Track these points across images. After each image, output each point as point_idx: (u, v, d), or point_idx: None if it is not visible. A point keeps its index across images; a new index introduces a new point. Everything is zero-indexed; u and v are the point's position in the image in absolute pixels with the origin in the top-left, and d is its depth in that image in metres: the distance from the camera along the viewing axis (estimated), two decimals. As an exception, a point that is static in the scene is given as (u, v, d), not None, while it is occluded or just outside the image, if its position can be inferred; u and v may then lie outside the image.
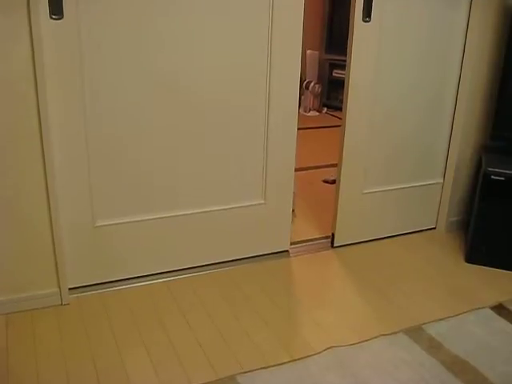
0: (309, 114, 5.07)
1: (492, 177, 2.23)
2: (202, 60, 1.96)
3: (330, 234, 2.49)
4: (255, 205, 2.25)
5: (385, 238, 2.57)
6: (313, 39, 5.16)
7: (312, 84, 4.99)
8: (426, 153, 2.54)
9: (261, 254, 2.34)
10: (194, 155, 2.07)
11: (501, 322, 1.94)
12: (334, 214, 2.43)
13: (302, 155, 3.18)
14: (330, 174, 3.33)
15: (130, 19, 1.80)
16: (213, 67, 1.98)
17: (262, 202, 2.26)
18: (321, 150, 3.97)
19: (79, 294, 2.01)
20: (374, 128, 2.35)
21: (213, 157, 2.11)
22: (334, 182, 2.95)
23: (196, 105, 2.01)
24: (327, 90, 5.23)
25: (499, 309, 2.02)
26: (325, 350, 1.75)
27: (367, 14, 2.13)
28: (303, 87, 5.01)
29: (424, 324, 1.91)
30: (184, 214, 2.12)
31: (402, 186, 2.53)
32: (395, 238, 2.58)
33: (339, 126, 2.36)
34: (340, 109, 2.46)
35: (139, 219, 2.05)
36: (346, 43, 2.18)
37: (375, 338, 1.82)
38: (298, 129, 2.21)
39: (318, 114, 5.12)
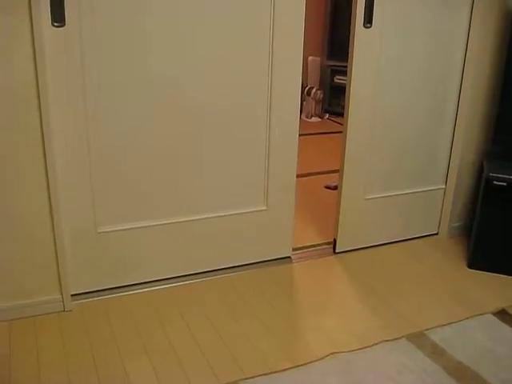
0: (310, 120, 5.07)
1: (494, 182, 2.23)
2: (204, 65, 1.96)
3: (332, 240, 2.49)
4: (257, 211, 2.25)
5: (387, 243, 2.57)
6: (314, 45, 5.17)
7: (314, 90, 5.00)
8: (427, 158, 2.54)
9: (263, 260, 2.33)
10: (195, 162, 2.07)
11: (503, 328, 1.93)
12: (336, 219, 2.43)
13: (303, 161, 3.17)
14: (331, 179, 3.33)
15: (132, 26, 1.81)
16: (214, 73, 1.99)
17: (264, 208, 2.26)
18: (322, 156, 3.97)
19: (82, 301, 2.01)
20: (376, 134, 2.35)
21: (215, 163, 2.11)
22: (335, 187, 2.94)
23: (198, 110, 2.01)
24: (329, 96, 5.24)
25: (502, 314, 2.01)
26: (327, 356, 1.75)
27: (368, 19, 2.13)
28: (305, 93, 5.02)
29: (426, 330, 1.90)
30: (186, 221, 2.13)
31: (404, 192, 2.53)
32: (397, 244, 2.58)
33: (341, 131, 2.36)
34: (342, 115, 2.46)
35: (141, 225, 2.05)
36: (347, 49, 2.19)
37: (377, 343, 1.82)
38: (300, 135, 2.21)
39: (319, 119, 5.13)
